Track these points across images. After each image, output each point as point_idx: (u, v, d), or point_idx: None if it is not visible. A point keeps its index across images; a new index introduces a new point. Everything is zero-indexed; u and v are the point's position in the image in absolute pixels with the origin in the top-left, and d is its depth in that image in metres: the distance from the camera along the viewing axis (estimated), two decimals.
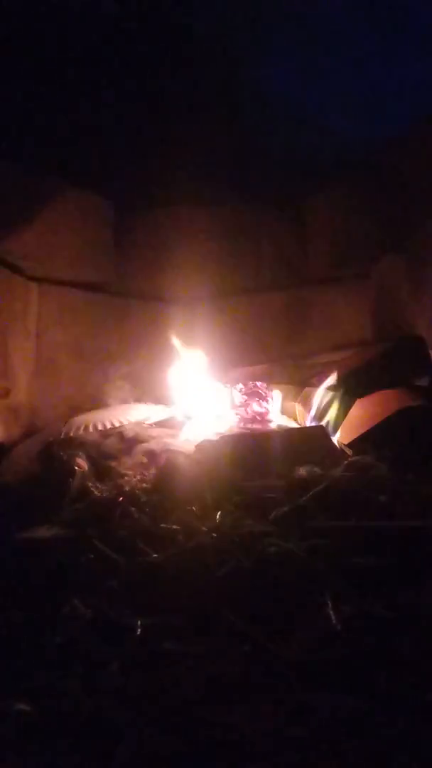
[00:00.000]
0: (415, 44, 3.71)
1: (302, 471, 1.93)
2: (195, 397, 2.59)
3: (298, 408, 2.51)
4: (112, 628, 1.22)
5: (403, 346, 2.46)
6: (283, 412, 2.57)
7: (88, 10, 3.51)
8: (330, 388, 2.36)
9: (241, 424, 2.42)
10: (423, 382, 2.32)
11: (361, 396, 2.25)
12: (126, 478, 1.99)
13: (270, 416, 2.47)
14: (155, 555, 1.48)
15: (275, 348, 3.22)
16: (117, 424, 2.31)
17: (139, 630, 1.19)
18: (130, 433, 2.24)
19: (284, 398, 2.59)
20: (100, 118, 3.43)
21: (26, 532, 1.68)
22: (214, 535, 1.52)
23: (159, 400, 2.71)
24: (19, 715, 0.95)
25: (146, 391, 2.80)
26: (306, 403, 2.45)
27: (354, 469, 1.95)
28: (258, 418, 2.44)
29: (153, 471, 2.04)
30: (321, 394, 2.38)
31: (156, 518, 1.66)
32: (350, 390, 2.28)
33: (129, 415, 2.40)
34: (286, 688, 1.01)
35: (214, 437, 2.14)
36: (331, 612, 1.24)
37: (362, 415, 2.25)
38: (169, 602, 1.31)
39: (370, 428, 2.15)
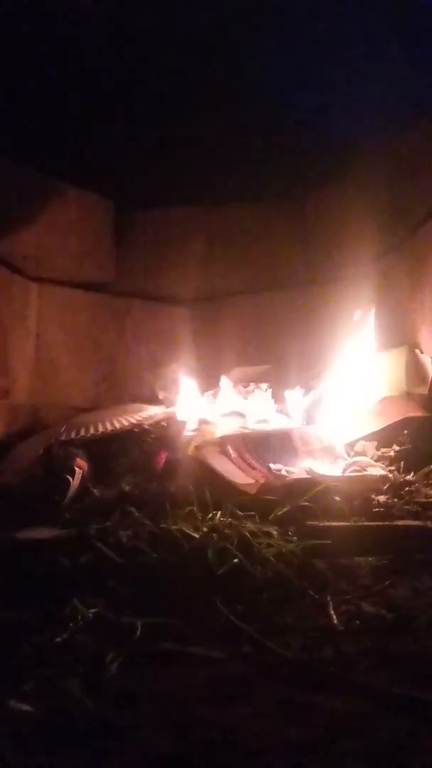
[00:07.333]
0: (413, 44, 3.70)
1: (301, 471, 1.93)
2: (199, 398, 2.60)
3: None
4: (112, 628, 1.22)
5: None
6: (283, 412, 2.56)
7: (87, 11, 3.51)
8: None
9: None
10: (422, 390, 2.35)
11: None
12: (126, 477, 1.99)
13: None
14: (155, 555, 1.48)
15: (276, 348, 3.21)
16: (117, 425, 2.31)
17: (139, 630, 1.19)
18: (130, 434, 2.24)
19: (283, 399, 2.59)
20: (101, 119, 3.43)
21: (26, 532, 1.68)
22: (214, 535, 1.52)
23: (159, 400, 2.71)
24: (19, 715, 0.95)
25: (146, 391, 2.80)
26: None
27: (354, 469, 1.96)
28: None
29: (153, 471, 2.04)
30: None
31: (156, 518, 1.65)
32: None
33: (129, 415, 2.40)
34: (286, 688, 1.01)
35: (214, 437, 2.14)
36: (332, 612, 1.24)
37: (367, 419, 2.27)
38: (169, 602, 1.31)
39: (374, 432, 2.18)
